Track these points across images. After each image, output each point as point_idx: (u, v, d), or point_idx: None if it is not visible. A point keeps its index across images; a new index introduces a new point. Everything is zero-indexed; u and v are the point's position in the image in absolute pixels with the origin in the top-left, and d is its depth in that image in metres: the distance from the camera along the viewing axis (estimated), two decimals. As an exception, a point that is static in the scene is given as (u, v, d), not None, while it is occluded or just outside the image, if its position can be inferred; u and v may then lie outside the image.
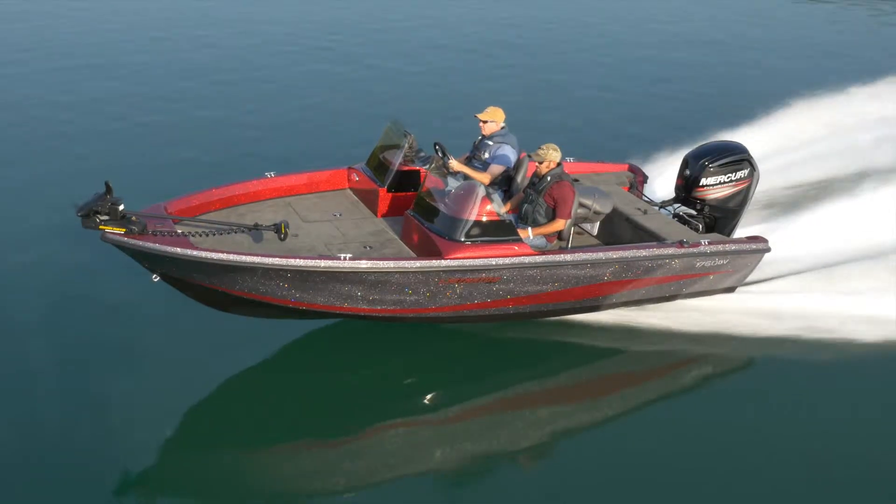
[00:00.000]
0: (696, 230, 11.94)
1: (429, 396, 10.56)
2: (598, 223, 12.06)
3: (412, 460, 9.55)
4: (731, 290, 12.19)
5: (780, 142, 16.22)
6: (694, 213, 12.31)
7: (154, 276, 9.82)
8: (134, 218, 9.35)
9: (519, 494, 8.94)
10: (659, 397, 10.86)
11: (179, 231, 9.76)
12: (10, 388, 9.86)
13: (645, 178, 13.28)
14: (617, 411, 10.61)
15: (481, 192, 10.15)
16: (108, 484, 8.71)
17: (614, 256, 10.75)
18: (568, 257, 10.52)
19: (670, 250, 11.04)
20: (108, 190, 9.10)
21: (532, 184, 11.02)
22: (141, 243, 9.27)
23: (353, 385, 10.51)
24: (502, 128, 11.53)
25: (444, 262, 9.91)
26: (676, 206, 12.53)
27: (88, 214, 9.06)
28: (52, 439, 9.17)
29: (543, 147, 10.84)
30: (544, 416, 10.42)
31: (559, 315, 11.46)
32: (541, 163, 10.83)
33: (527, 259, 10.24)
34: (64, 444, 9.12)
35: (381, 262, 9.72)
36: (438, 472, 9.47)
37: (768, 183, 14.07)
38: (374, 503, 8.91)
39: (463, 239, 10.03)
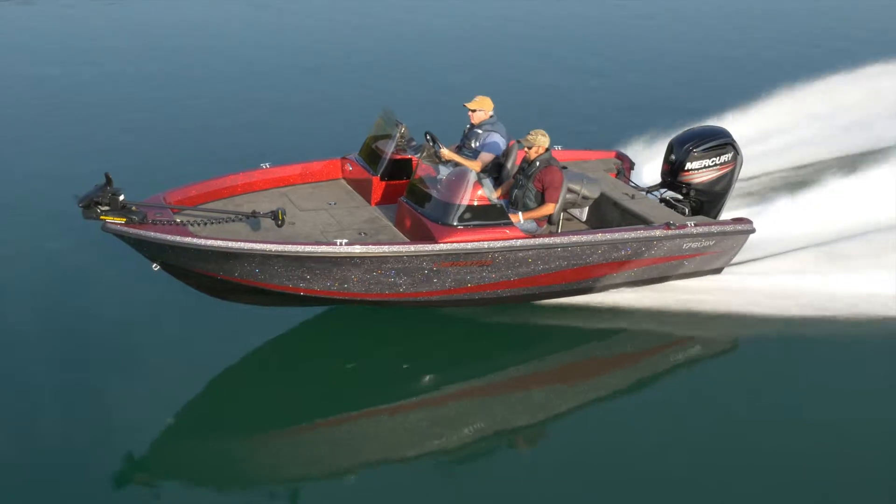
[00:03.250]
0: (683, 213, 12.17)
1: (423, 380, 10.71)
2: (586, 208, 12.27)
3: (408, 444, 9.68)
4: (717, 271, 12.44)
5: (763, 126, 16.47)
6: (680, 197, 12.53)
7: (154, 265, 10.00)
8: (134, 208, 9.53)
9: (513, 476, 9.06)
10: (649, 378, 11.02)
11: (178, 220, 9.93)
12: (7, 383, 9.96)
13: (632, 165, 13.50)
14: (608, 393, 10.75)
15: (473, 177, 10.36)
16: (107, 476, 8.79)
17: (603, 239, 10.97)
18: (558, 240, 10.75)
19: (658, 232, 11.27)
20: (108, 181, 9.27)
21: (522, 169, 11.23)
22: (142, 232, 9.45)
23: (348, 370, 10.65)
24: (490, 116, 11.72)
25: (437, 246, 10.12)
26: (663, 190, 12.76)
27: (89, 205, 9.24)
28: (53, 428, 9.29)
29: (532, 133, 11.05)
30: (537, 398, 10.56)
31: (550, 298, 11.67)
32: (530, 148, 11.04)
33: (518, 242, 10.46)
34: (64, 433, 9.25)
35: (377, 247, 9.93)
36: (434, 455, 9.58)
37: (752, 167, 14.33)
38: (369, 486, 8.98)
39: (455, 223, 10.24)
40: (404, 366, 10.88)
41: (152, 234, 9.46)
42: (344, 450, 9.56)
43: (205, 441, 9.60)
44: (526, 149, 11.11)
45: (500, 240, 10.38)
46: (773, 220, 13.08)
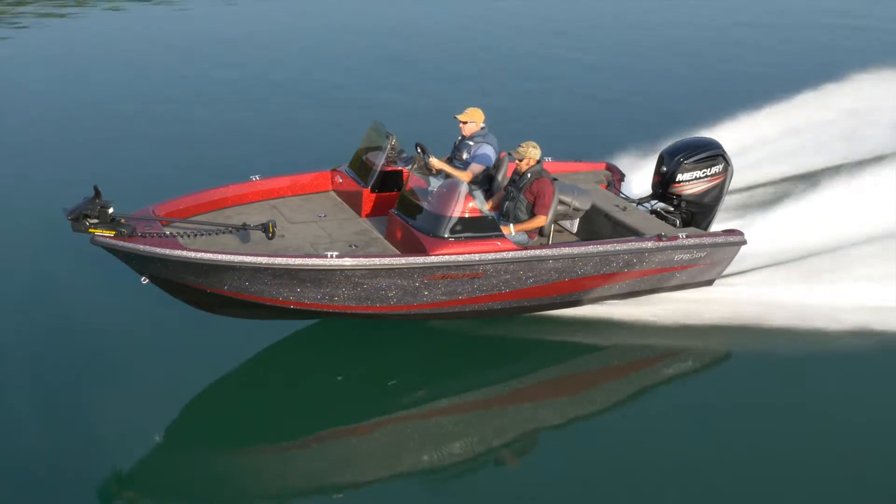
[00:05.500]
0: (674, 225, 12.17)
1: (413, 394, 10.66)
2: (577, 220, 12.26)
3: (397, 458, 9.66)
4: (709, 282, 12.43)
5: (754, 137, 16.52)
6: (671, 208, 12.53)
7: (143, 278, 9.95)
8: (123, 220, 9.47)
9: (504, 489, 9.04)
10: (640, 390, 11.00)
11: (168, 233, 9.88)
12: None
13: (622, 177, 13.49)
14: (600, 406, 10.74)
15: (464, 189, 10.33)
16: (92, 491, 8.76)
17: (594, 251, 10.95)
18: (550, 252, 10.72)
19: (649, 244, 11.26)
20: (97, 193, 9.22)
21: (513, 181, 11.23)
22: (131, 245, 9.39)
23: (337, 385, 10.62)
24: (482, 128, 11.72)
25: (428, 259, 10.07)
26: (654, 202, 12.74)
27: (78, 218, 9.18)
28: (42, 444, 9.24)
29: (523, 145, 11.05)
30: (527, 412, 10.54)
31: (542, 310, 11.64)
32: (521, 160, 11.03)
33: (509, 254, 10.43)
34: (54, 447, 9.19)
35: (367, 260, 9.88)
36: (423, 469, 9.57)
37: (744, 178, 14.36)
38: (359, 500, 9.00)
39: (447, 235, 10.20)
40: (393, 380, 10.84)
41: (141, 246, 9.40)
42: (332, 465, 9.52)
43: (192, 456, 9.57)
44: (517, 161, 11.10)
45: (491, 252, 10.34)
46: (764, 232, 13.07)
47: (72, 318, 11.42)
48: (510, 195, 11.15)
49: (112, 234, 9.38)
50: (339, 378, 10.70)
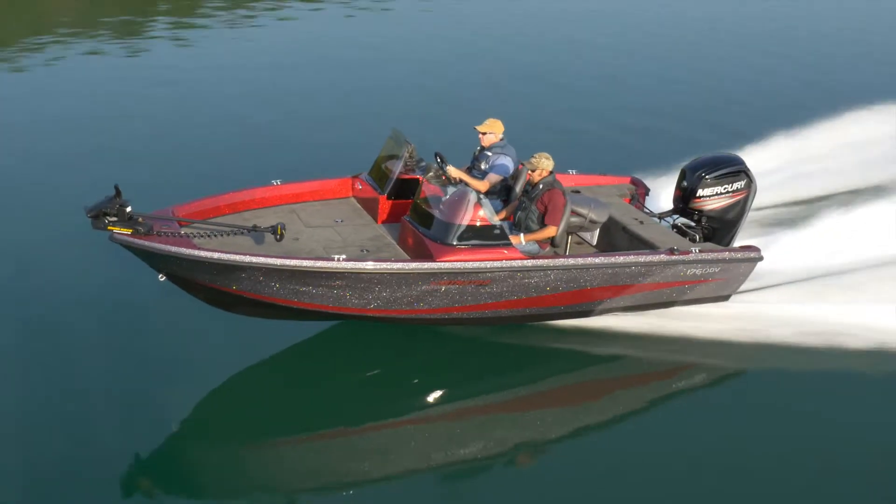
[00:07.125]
0: (694, 240, 12.13)
1: (425, 398, 10.83)
2: (597, 232, 12.33)
3: (408, 461, 9.80)
4: (725, 298, 12.38)
5: (779, 157, 16.38)
6: (692, 223, 12.53)
7: (160, 275, 10.27)
8: (141, 219, 9.82)
9: (512, 497, 9.13)
10: (652, 403, 11.01)
11: (184, 232, 10.23)
12: (16, 386, 10.24)
13: (647, 191, 13.48)
14: (610, 416, 10.77)
15: (473, 197, 10.51)
16: (111, 482, 8.98)
17: (602, 262, 11.02)
18: (555, 262, 10.82)
19: (658, 257, 11.28)
20: (117, 193, 9.61)
21: (525, 191, 11.37)
22: (146, 243, 9.74)
23: (351, 386, 10.81)
24: (501, 139, 11.84)
25: (434, 265, 10.27)
26: (675, 217, 12.75)
27: (98, 216, 9.55)
28: (59, 438, 9.50)
29: (536, 156, 11.18)
30: (538, 419, 10.63)
31: (552, 319, 11.74)
32: (533, 171, 11.17)
33: (515, 263, 10.57)
34: (71, 442, 9.44)
35: (374, 264, 10.08)
36: (433, 473, 9.68)
37: (767, 196, 14.25)
38: (372, 498, 9.15)
39: (454, 242, 10.38)
40: (405, 383, 11.00)
41: (155, 244, 9.74)
42: (343, 466, 9.69)
43: (210, 450, 9.83)
44: (529, 171, 11.24)
45: (497, 260, 10.50)
46: (784, 249, 13.01)
47: (92, 313, 11.71)
48: (522, 205, 11.29)
49: (129, 231, 9.73)
50: (372, 373, 10.97)
